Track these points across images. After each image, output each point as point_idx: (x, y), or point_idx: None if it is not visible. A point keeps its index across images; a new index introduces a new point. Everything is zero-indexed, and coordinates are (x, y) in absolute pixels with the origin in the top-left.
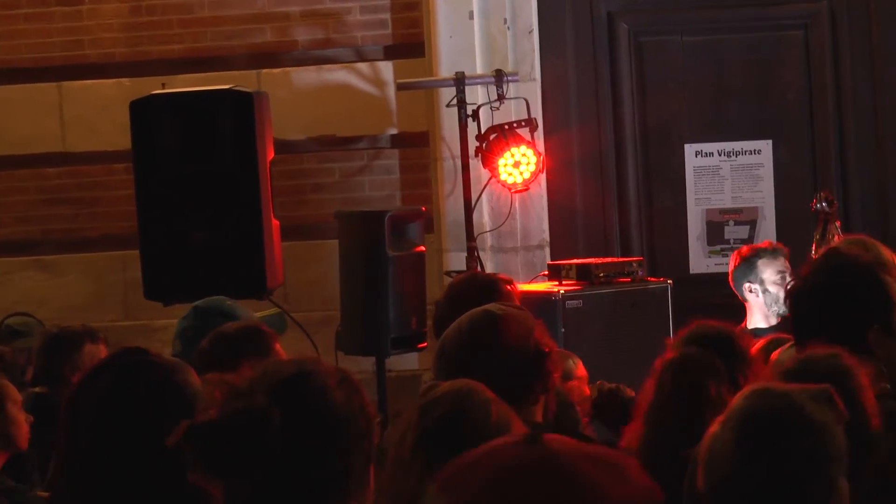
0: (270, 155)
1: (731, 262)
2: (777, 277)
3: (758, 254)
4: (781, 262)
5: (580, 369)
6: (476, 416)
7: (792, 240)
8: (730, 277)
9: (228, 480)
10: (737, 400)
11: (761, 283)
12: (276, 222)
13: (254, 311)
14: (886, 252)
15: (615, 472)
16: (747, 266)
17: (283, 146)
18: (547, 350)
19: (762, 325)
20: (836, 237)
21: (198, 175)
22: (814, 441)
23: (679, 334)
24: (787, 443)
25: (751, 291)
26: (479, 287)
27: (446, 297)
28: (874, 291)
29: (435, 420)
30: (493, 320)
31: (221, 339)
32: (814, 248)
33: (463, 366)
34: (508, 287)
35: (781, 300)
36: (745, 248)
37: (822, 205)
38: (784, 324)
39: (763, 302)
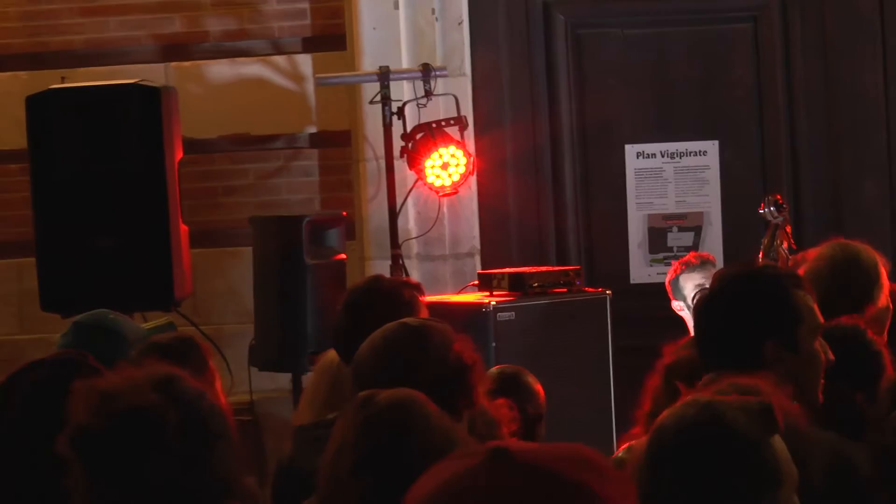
0: (179, 155)
1: (668, 275)
2: (695, 292)
3: (683, 269)
4: (700, 276)
5: (539, 388)
6: (421, 431)
7: (740, 247)
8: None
9: (112, 487)
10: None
11: (684, 299)
12: (184, 228)
13: (143, 323)
14: (879, 260)
15: (592, 468)
16: (675, 283)
17: (192, 145)
18: (469, 363)
19: None
20: (785, 244)
21: (100, 176)
22: (735, 456)
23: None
24: (697, 455)
25: (680, 310)
26: (380, 294)
27: (344, 305)
28: (773, 304)
29: (378, 439)
30: (409, 334)
31: (155, 350)
32: (761, 256)
33: (380, 385)
34: (413, 294)
35: None
36: (676, 263)
37: (770, 209)
38: None
39: (691, 318)
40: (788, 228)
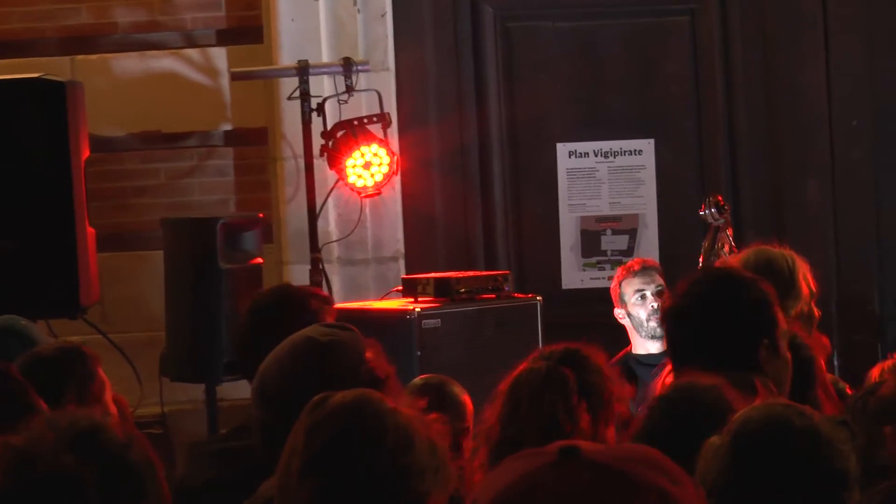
0: (85, 153)
1: (612, 283)
2: (636, 298)
3: (625, 275)
4: (640, 281)
5: (466, 398)
6: (370, 432)
7: (677, 251)
8: None
9: None
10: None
11: (624, 306)
12: (91, 230)
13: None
14: (800, 266)
15: (661, 469)
16: (618, 289)
17: (100, 143)
18: (382, 377)
19: (641, 351)
20: (726, 247)
21: (1, 176)
22: (817, 455)
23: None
24: (786, 453)
25: (622, 318)
26: (286, 303)
27: (248, 313)
28: (764, 308)
29: (322, 442)
30: (317, 348)
31: (38, 363)
32: (702, 259)
33: (286, 401)
34: (321, 305)
35: (645, 321)
36: (621, 269)
37: (711, 210)
38: None
39: (632, 326)
40: (730, 231)
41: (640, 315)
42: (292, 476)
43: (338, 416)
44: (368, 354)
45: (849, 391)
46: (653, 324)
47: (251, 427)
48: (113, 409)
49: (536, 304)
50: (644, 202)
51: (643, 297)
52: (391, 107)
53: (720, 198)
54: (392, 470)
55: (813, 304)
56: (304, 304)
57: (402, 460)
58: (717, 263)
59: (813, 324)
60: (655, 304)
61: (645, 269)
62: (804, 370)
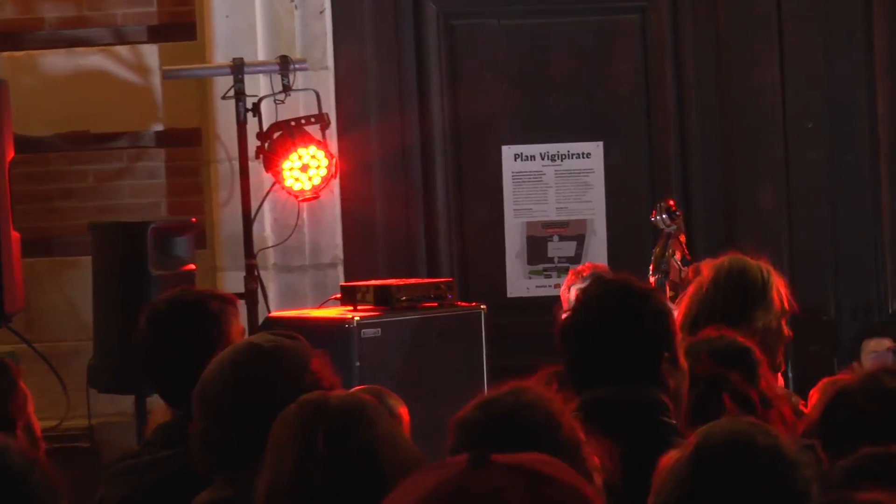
0: (10, 154)
1: (562, 286)
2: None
3: (574, 280)
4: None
5: (403, 410)
6: (366, 434)
7: (627, 257)
8: None
9: None
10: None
11: None
12: (16, 235)
13: None
14: (775, 279)
15: (567, 470)
16: (566, 295)
17: (25, 144)
18: (327, 386)
19: None
20: (678, 254)
21: None
22: (779, 475)
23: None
24: (746, 471)
25: None
26: (184, 306)
27: (146, 318)
28: (664, 319)
29: (324, 442)
30: (260, 356)
31: None
32: (652, 267)
33: (227, 408)
34: (222, 306)
35: None
36: (572, 273)
37: (662, 216)
38: None
39: None
40: (682, 237)
41: None
42: (284, 475)
43: (337, 417)
44: (314, 364)
45: (802, 407)
46: None
47: (174, 436)
48: (36, 423)
49: (480, 312)
50: (592, 207)
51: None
52: (330, 107)
53: (672, 203)
54: (384, 473)
55: (784, 322)
56: (202, 306)
57: (392, 465)
58: (676, 270)
59: (781, 342)
60: None
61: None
62: (749, 371)
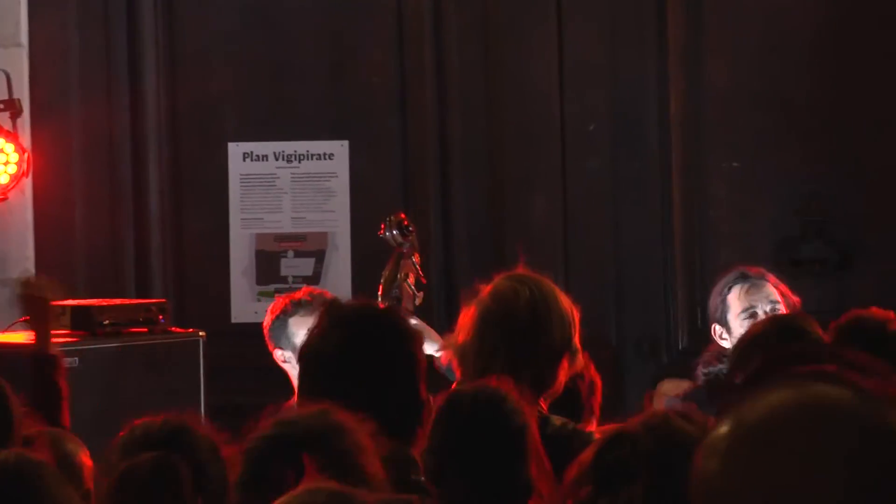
0: None
1: (266, 316)
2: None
3: (295, 308)
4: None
5: (85, 456)
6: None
7: (374, 278)
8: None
9: None
10: None
11: (294, 349)
12: None
13: None
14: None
15: None
16: (279, 327)
17: None
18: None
19: None
20: (411, 277)
21: None
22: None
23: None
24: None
25: (284, 361)
26: None
27: None
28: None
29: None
30: None
31: None
32: (381, 291)
33: None
34: None
35: None
36: (281, 301)
37: (393, 233)
38: None
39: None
40: (417, 257)
41: None
42: None
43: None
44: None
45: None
46: None
47: None
48: None
49: (199, 340)
50: (335, 218)
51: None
52: (22, 92)
53: (404, 216)
54: None
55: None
56: None
57: None
58: (410, 296)
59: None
60: None
61: (324, 304)
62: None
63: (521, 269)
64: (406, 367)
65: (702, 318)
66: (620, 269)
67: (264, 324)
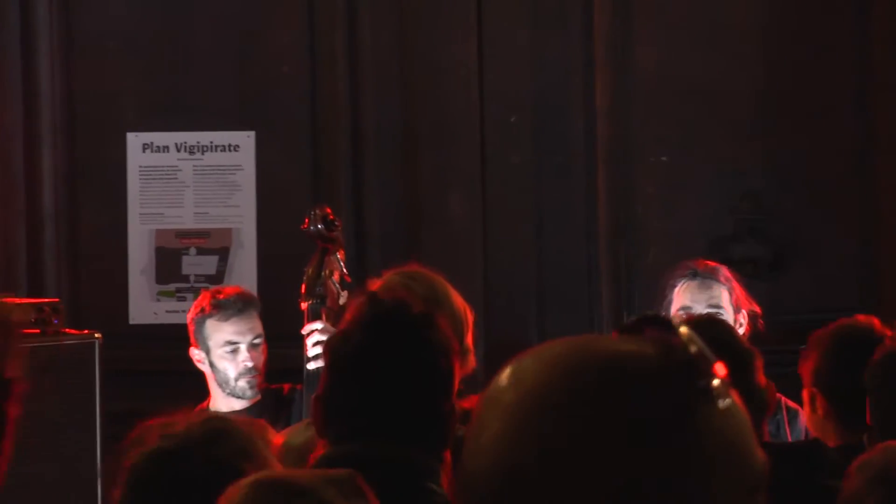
0: None
1: (191, 308)
2: (225, 349)
3: (213, 310)
4: (232, 329)
5: None
6: None
7: (283, 277)
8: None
9: None
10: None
11: (208, 352)
12: None
13: None
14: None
15: None
16: (199, 322)
17: None
18: None
19: (223, 407)
20: (336, 274)
21: None
22: None
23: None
24: None
25: (200, 362)
26: None
27: None
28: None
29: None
30: None
31: None
32: (304, 289)
33: None
34: None
35: (233, 380)
36: (208, 296)
37: (318, 227)
38: None
39: (214, 379)
40: (342, 254)
41: (227, 372)
42: None
43: None
44: None
45: None
46: (243, 383)
47: None
48: None
49: (95, 343)
50: (240, 213)
51: (235, 350)
52: None
53: (329, 210)
54: None
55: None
56: None
57: None
58: (334, 295)
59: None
60: (250, 363)
61: (243, 309)
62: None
63: (413, 266)
64: (424, 377)
65: (627, 318)
66: (542, 267)
67: (188, 316)
